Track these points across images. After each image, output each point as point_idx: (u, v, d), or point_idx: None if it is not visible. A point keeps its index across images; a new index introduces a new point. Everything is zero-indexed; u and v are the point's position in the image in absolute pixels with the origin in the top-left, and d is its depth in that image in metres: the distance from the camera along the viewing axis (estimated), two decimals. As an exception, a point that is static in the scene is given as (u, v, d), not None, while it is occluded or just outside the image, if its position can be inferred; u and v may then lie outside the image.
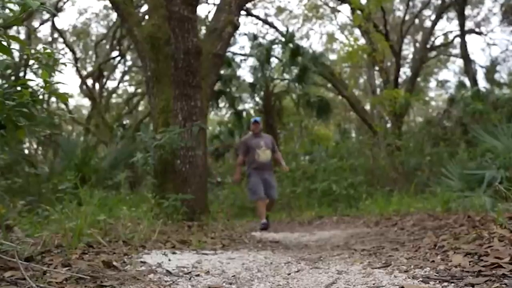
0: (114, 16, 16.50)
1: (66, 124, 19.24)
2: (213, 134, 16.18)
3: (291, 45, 12.73)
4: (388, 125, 14.34)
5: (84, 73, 18.04)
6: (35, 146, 14.51)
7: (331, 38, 20.14)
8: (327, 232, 4.57)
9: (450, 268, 1.60)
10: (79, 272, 1.59)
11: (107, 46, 18.04)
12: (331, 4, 17.71)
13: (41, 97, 1.69)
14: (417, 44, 19.64)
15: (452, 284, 1.38)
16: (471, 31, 17.84)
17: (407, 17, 16.51)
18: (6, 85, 1.68)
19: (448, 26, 37.18)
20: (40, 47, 1.68)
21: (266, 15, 18.50)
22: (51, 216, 2.74)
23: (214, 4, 14.14)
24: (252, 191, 5.97)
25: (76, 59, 17.53)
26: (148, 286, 1.54)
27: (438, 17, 15.71)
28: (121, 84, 20.91)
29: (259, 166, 5.95)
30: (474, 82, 13.93)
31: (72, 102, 22.12)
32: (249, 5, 14.50)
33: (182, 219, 4.40)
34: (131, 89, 21.61)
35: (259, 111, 13.23)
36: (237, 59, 14.66)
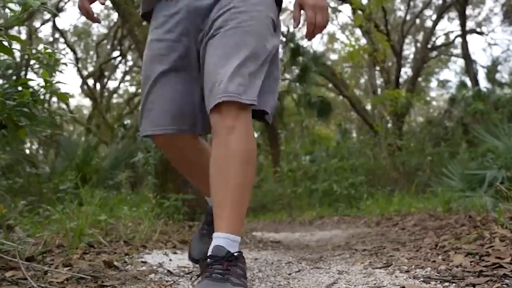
0: (115, 16, 16.51)
1: (67, 124, 19.25)
2: (214, 134, 16.18)
3: (291, 45, 12.71)
4: (389, 125, 14.32)
5: (85, 73, 18.05)
6: (36, 146, 14.54)
7: (332, 38, 20.15)
8: (328, 232, 4.56)
9: (451, 268, 1.60)
10: (80, 272, 1.59)
11: (108, 46, 18.04)
12: (332, 4, 17.68)
13: (42, 97, 1.69)
14: (418, 44, 19.62)
15: (453, 284, 1.38)
16: (472, 31, 17.83)
17: (408, 17, 16.51)
18: (7, 85, 1.68)
19: (449, 26, 37.25)
20: (41, 47, 1.68)
21: (267, 15, 18.49)
22: (52, 216, 2.74)
23: (215, 4, 14.11)
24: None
25: (77, 59, 17.54)
26: (149, 286, 1.54)
27: (439, 17, 15.69)
28: (122, 84, 20.89)
29: None
30: (475, 82, 13.92)
31: (73, 102, 22.18)
32: (250, 5, 14.50)
33: (183, 219, 4.39)
34: (132, 89, 21.58)
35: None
36: (238, 59, 14.67)
